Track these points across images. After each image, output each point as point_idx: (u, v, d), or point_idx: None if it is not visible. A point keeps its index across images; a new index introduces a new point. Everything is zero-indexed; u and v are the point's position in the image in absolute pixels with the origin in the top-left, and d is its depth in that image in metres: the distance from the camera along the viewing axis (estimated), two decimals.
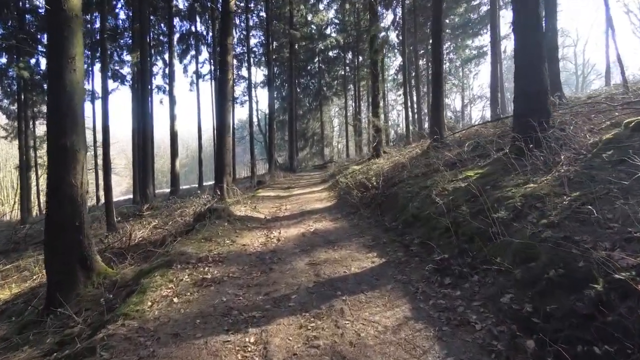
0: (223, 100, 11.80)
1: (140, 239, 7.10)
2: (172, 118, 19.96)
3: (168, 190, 39.46)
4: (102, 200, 28.96)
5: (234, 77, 30.30)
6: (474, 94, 35.65)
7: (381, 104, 17.74)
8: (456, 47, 30.29)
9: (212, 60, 27.09)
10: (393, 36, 29.32)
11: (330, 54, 34.05)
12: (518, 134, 5.07)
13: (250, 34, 29.59)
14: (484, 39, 43.51)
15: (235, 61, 30.01)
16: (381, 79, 17.71)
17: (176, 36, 25.39)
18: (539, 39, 5.13)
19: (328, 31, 30.42)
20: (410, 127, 18.74)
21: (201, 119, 25.16)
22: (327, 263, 4.38)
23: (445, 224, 4.26)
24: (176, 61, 24.71)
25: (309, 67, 34.37)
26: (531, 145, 4.69)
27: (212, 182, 36.75)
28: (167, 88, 23.59)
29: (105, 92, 11.32)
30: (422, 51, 30.06)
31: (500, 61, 16.72)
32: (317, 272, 4.08)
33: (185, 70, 28.01)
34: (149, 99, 18.06)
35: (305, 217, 7.57)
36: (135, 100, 20.44)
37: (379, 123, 15.37)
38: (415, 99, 31.43)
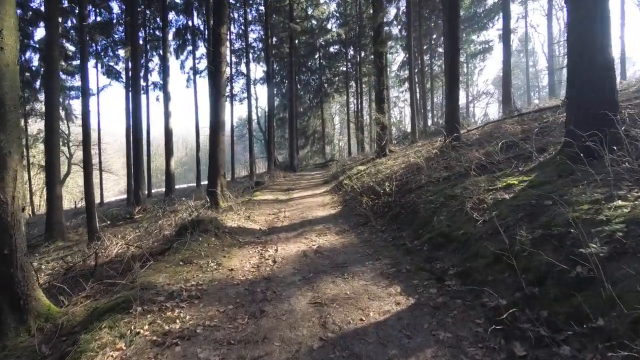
0: (217, 95, 10.67)
1: (115, 256, 6.00)
2: (167, 115, 18.82)
3: (182, 185, 38.42)
4: (97, 201, 27.91)
5: (233, 73, 29.12)
6: (479, 90, 34.48)
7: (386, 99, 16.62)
8: (461, 41, 28.97)
9: (209, 56, 25.94)
10: (396, 31, 28.07)
11: (331, 49, 32.85)
12: (577, 129, 3.94)
13: (249, 29, 28.44)
14: (489, 34, 42.24)
15: (233, 57, 28.84)
16: (385, 74, 16.63)
17: (172, 31, 24.24)
18: (604, 4, 3.97)
19: (329, 26, 29.20)
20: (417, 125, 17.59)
21: (199, 116, 24.07)
22: (337, 303, 3.27)
23: (494, 251, 3.15)
24: (172, 57, 23.58)
25: (309, 63, 33.18)
26: (596, 146, 3.57)
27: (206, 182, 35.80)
28: (162, 84, 22.49)
29: (85, 86, 10.20)
30: (425, 46, 28.85)
31: (510, 53, 15.54)
32: (324, 320, 2.96)
33: (182, 67, 26.87)
34: (141, 95, 16.95)
35: (306, 228, 6.46)
36: (128, 97, 19.36)
37: (384, 119, 14.24)
38: (419, 95, 30.28)
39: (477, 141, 8.24)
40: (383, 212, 6.08)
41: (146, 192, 23.63)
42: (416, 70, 29.22)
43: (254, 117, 36.44)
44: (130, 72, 17.10)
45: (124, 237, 7.04)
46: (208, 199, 10.19)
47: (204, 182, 33.45)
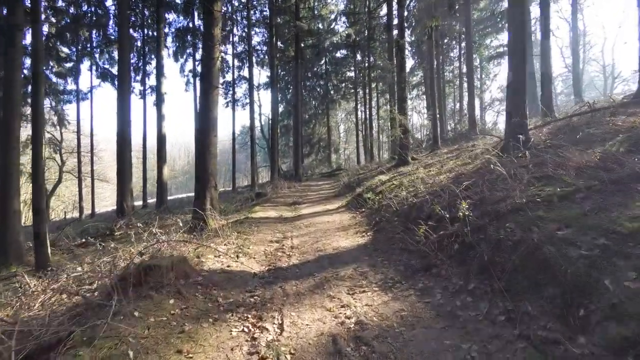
0: (207, 86, 8.35)
1: (38, 310, 3.58)
2: (160, 118, 16.56)
3: (181, 195, 35.80)
4: (87, 211, 25.53)
5: (235, 77, 27.00)
6: (492, 97, 32.04)
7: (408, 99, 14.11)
8: (476, 45, 26.62)
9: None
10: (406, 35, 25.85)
11: (338, 54, 30.75)
12: None
13: (253, 32, 26.40)
14: (504, 38, 40.10)
15: (236, 61, 26.71)
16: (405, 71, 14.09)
17: (171, 32, 22.18)
18: None
19: (337, 28, 27.10)
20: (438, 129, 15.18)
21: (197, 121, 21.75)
22: None
23: None
24: (171, 59, 21.30)
25: (315, 69, 31.05)
26: None
27: (221, 189, 33.34)
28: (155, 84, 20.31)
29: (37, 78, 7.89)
30: (434, 52, 26.63)
31: (549, 48, 13.26)
32: None
33: (182, 70, 24.64)
34: (130, 95, 14.71)
35: (328, 272, 3.98)
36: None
37: (406, 122, 11.85)
38: (430, 100, 27.99)
39: (548, 144, 5.81)
40: (455, 250, 3.61)
41: (136, 203, 21.10)
42: (421, 75, 27.04)
43: (257, 124, 34.25)
44: (119, 70, 14.81)
45: (76, 267, 4.64)
46: (194, 219, 7.85)
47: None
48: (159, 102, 16.86)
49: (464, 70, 27.82)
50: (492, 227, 3.44)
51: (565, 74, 33.98)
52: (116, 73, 21.76)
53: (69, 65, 23.11)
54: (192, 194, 32.50)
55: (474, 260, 3.24)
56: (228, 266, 4.27)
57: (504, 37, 25.52)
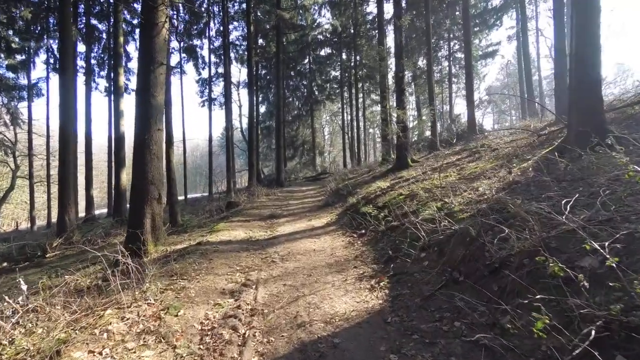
0: (148, 61, 5.93)
1: None
2: (118, 115, 13.82)
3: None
4: (42, 222, 22.25)
5: (212, 74, 24.40)
6: (480, 97, 30.49)
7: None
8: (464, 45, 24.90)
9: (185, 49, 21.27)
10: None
11: (323, 53, 28.61)
12: None
13: (231, 26, 23.90)
14: (497, 35, 38.65)
15: (213, 56, 24.16)
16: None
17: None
18: None
19: (321, 20, 24.97)
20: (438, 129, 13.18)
21: (185, 121, 19.05)
22: None
23: None
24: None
25: (299, 68, 28.77)
26: None
27: (199, 195, 30.20)
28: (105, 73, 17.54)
29: None
30: (424, 51, 24.91)
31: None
32: None
33: None
34: (74, 80, 11.97)
35: None
36: (111, 100, 14.31)
37: (405, 117, 9.71)
38: (421, 100, 26.24)
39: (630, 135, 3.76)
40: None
41: (103, 210, 18.02)
42: (411, 75, 25.22)
43: (238, 125, 31.61)
44: (60, 56, 11.90)
45: None
46: (127, 244, 5.38)
47: (191, 195, 28.01)
48: (116, 97, 14.14)
49: (453, 70, 26.23)
50: None
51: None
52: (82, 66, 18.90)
53: (20, 57, 20.02)
54: (206, 194, 29.10)
55: None
56: None
57: (492, 36, 24.09)
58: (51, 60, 20.23)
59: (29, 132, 19.95)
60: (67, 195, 10.51)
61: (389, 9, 27.22)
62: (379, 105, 33.10)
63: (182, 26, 21.10)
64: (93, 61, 19.80)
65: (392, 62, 20.52)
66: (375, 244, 4.49)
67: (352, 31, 24.40)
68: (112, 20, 17.33)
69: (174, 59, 22.29)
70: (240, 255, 4.92)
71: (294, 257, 4.57)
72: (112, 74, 15.26)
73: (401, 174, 8.80)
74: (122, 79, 14.16)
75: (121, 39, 14.20)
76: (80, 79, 17.23)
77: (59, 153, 10.93)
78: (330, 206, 8.92)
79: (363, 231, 5.20)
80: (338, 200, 9.23)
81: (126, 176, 14.69)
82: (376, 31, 25.05)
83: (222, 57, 23.62)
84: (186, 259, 4.69)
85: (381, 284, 3.25)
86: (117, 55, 14.15)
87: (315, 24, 23.85)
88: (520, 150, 6.06)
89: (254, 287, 3.61)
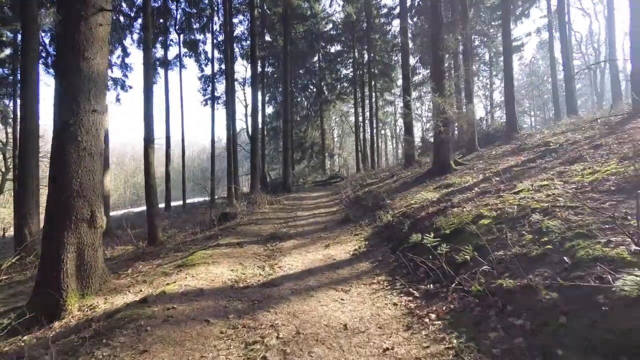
0: (80, 5, 3.73)
1: None
2: (25, 92, 11.65)
3: (135, 209, 29.43)
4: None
5: (216, 71, 22.31)
6: (496, 101, 27.80)
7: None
8: (486, 40, 22.15)
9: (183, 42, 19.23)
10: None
11: (332, 50, 26.32)
12: None
13: (236, 20, 21.80)
14: (522, 28, 35.11)
15: (216, 52, 22.12)
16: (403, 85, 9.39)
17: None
18: None
19: (332, 11, 22.78)
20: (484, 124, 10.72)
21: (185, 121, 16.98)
22: None
23: None
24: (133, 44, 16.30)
25: (308, 65, 26.52)
26: None
27: (195, 200, 27.82)
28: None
29: None
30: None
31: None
32: None
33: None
34: (37, 73, 9.96)
35: None
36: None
37: (448, 106, 7.29)
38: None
39: None
40: None
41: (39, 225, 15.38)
42: (423, 74, 22.72)
43: (244, 126, 29.38)
44: (22, 40, 9.74)
45: None
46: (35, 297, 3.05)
47: (188, 200, 25.43)
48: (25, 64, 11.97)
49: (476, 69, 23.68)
50: None
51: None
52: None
53: (8, 51, 18.16)
54: (177, 203, 27.05)
55: None
56: None
57: (515, 32, 21.44)
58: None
59: (14, 128, 17.99)
60: (24, 204, 8.29)
61: None
62: (391, 105, 30.70)
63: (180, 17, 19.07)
64: None
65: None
66: (474, 324, 2.10)
67: (364, 25, 22.16)
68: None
69: (173, 52, 20.18)
70: (207, 333, 2.57)
71: (308, 351, 2.21)
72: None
73: (447, 180, 6.39)
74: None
75: None
76: None
77: (20, 151, 8.84)
78: (352, 223, 6.53)
79: (431, 286, 2.81)
80: (362, 214, 6.86)
81: (110, 180, 12.50)
82: (390, 25, 22.88)
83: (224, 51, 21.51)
84: (101, 347, 2.37)
85: None
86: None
87: (325, 13, 21.58)
88: None
89: None
